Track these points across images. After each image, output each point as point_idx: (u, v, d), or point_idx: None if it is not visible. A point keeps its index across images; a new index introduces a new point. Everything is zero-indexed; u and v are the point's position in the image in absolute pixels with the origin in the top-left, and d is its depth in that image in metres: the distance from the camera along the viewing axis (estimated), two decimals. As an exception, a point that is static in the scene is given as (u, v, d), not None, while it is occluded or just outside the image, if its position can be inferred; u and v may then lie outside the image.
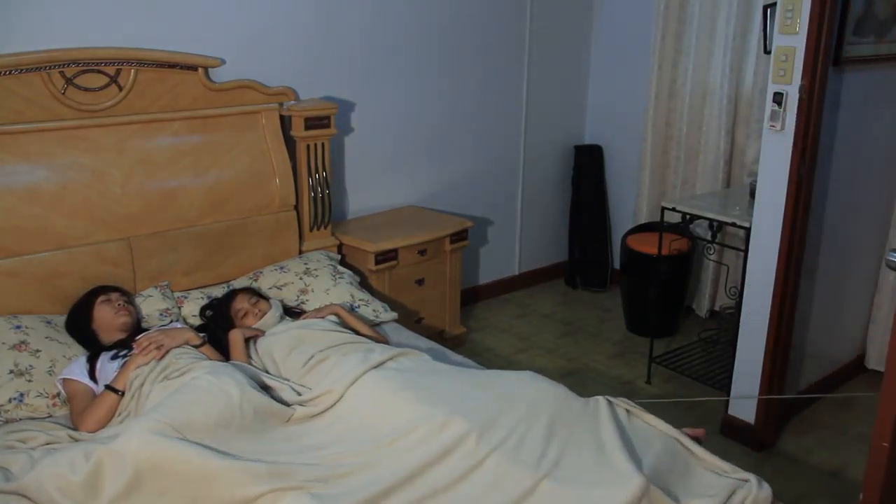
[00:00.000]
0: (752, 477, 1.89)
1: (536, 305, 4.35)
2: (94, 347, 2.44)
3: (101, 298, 2.53)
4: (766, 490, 1.86)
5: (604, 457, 1.92)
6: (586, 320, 4.17)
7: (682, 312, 4.02)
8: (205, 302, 2.81)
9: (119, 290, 2.62)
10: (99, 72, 2.70)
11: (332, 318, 2.68)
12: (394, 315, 2.98)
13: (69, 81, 2.64)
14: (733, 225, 3.02)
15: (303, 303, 2.90)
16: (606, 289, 4.56)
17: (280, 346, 2.48)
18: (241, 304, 2.66)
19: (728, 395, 3.06)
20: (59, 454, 1.95)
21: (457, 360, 2.59)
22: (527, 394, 2.11)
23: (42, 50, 2.58)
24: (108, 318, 2.49)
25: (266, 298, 2.75)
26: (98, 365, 2.34)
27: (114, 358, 2.35)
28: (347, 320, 2.70)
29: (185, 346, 2.37)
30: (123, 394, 2.22)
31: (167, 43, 2.86)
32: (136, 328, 2.55)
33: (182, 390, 2.10)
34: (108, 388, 2.23)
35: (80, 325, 2.50)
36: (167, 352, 2.31)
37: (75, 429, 2.20)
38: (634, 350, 3.79)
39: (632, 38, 4.25)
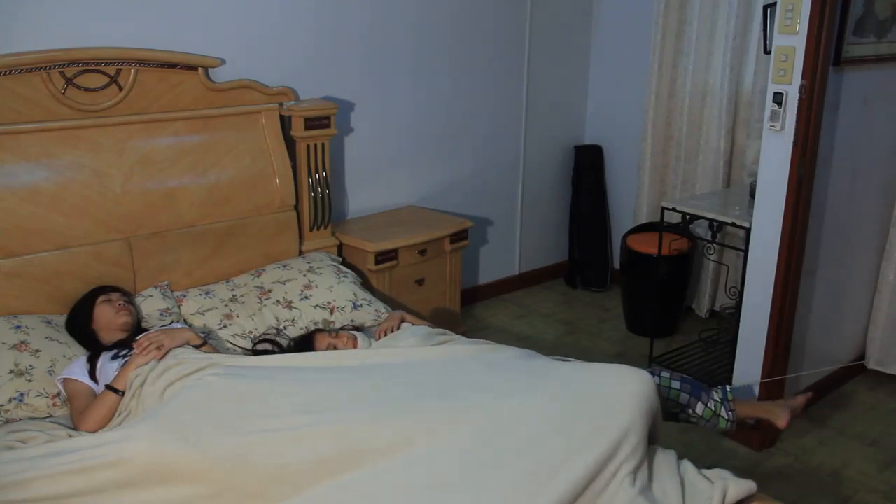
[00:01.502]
0: (723, 474, 1.93)
1: (536, 305, 4.35)
2: (94, 347, 2.44)
3: (101, 298, 2.53)
4: (744, 484, 1.90)
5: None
6: (586, 320, 4.17)
7: (682, 312, 4.02)
8: (204, 300, 2.81)
9: (119, 291, 2.62)
10: (99, 72, 2.70)
11: (405, 324, 2.67)
12: (394, 315, 2.99)
13: (69, 81, 2.64)
14: (733, 225, 3.02)
15: (306, 298, 2.89)
16: (606, 289, 4.56)
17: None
18: (323, 341, 2.55)
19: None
20: (61, 455, 1.96)
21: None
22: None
23: (42, 50, 2.58)
24: (108, 318, 2.49)
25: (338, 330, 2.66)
26: (98, 365, 2.34)
27: (114, 358, 2.35)
28: (417, 324, 2.70)
29: (186, 346, 2.37)
30: (124, 394, 2.22)
31: (167, 43, 2.86)
32: (137, 328, 2.55)
33: (187, 390, 2.10)
34: (109, 388, 2.23)
35: (80, 325, 2.50)
36: (167, 352, 2.31)
37: (75, 429, 2.20)
38: (634, 350, 3.79)
39: (632, 37, 4.25)
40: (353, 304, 2.91)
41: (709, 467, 1.98)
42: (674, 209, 3.23)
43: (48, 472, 1.91)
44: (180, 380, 2.18)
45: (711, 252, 3.52)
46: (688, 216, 3.20)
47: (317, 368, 2.25)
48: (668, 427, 3.11)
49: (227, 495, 1.87)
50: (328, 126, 3.18)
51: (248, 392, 2.11)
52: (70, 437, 2.13)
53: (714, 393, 2.36)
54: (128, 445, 1.91)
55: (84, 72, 2.66)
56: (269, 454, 1.91)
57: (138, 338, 2.39)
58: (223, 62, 3.01)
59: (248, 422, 2.01)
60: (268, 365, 2.33)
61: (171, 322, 2.65)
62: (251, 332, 2.72)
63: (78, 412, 2.22)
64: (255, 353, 2.59)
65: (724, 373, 3.25)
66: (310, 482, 1.86)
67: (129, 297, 2.64)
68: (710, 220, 3.16)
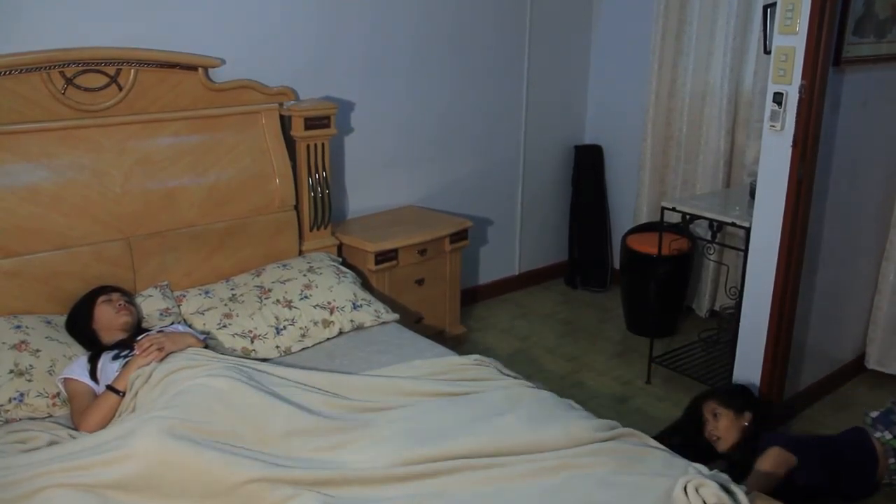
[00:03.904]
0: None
1: (536, 305, 4.35)
2: (94, 347, 2.44)
3: (101, 298, 2.53)
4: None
5: None
6: (586, 320, 4.17)
7: (682, 312, 4.02)
8: (203, 299, 2.80)
9: (120, 291, 2.62)
10: (99, 72, 2.70)
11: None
12: (395, 316, 2.98)
13: (69, 81, 2.64)
14: (733, 225, 3.02)
15: (306, 298, 2.88)
16: (606, 289, 4.56)
17: None
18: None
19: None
20: (69, 454, 1.96)
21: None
22: None
23: (42, 50, 2.58)
24: (108, 318, 2.49)
25: None
26: (99, 365, 2.34)
27: (115, 358, 2.35)
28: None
29: (188, 350, 2.37)
30: (125, 394, 2.22)
31: (167, 43, 2.85)
32: (137, 328, 2.55)
33: (191, 390, 2.11)
34: (110, 388, 2.23)
35: (80, 325, 2.50)
36: (168, 354, 2.31)
37: (75, 428, 2.20)
38: (634, 350, 3.79)
39: (632, 38, 4.25)
40: (353, 304, 2.91)
41: (709, 467, 1.97)
42: (674, 209, 3.23)
43: (53, 467, 1.91)
44: (188, 380, 2.18)
45: (711, 252, 3.52)
46: (688, 216, 3.20)
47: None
48: (664, 422, 3.11)
49: (223, 498, 1.87)
50: (328, 126, 3.18)
51: (254, 402, 2.12)
52: (71, 437, 2.14)
53: None
54: (136, 440, 1.92)
55: (84, 72, 2.66)
56: (264, 480, 1.91)
57: (139, 338, 2.39)
58: (223, 62, 3.01)
59: (251, 436, 2.02)
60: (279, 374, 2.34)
61: (172, 322, 2.65)
62: (251, 332, 2.72)
63: (78, 412, 2.22)
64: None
65: (724, 372, 3.25)
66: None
67: (129, 297, 2.64)
68: (710, 220, 3.16)
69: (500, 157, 4.25)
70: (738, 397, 2.68)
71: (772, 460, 2.41)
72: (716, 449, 2.62)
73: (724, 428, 2.60)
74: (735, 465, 2.52)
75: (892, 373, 3.44)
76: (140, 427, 1.97)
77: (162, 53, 2.81)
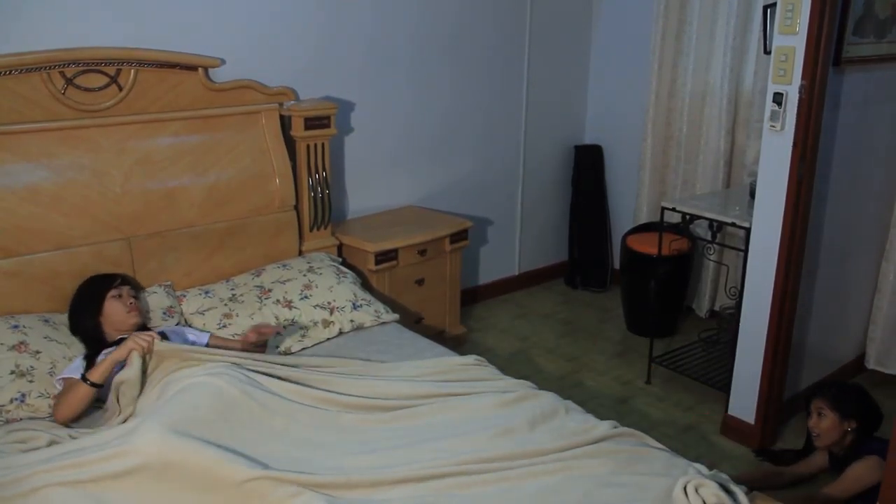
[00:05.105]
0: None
1: (536, 305, 4.35)
2: (93, 342, 2.43)
3: (112, 293, 2.49)
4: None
5: None
6: (586, 320, 4.17)
7: (682, 312, 4.02)
8: (204, 299, 2.80)
9: (128, 283, 2.58)
10: (99, 72, 2.70)
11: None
12: (395, 316, 2.98)
13: (69, 81, 2.64)
14: (733, 225, 3.02)
15: (306, 298, 2.88)
16: (606, 289, 4.56)
17: None
18: None
19: (728, 395, 3.06)
20: (69, 453, 1.96)
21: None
22: None
23: (42, 50, 2.58)
24: (120, 317, 2.46)
25: None
26: (97, 362, 2.33)
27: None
28: None
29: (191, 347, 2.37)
30: (100, 387, 2.22)
31: (167, 43, 2.86)
32: (142, 329, 2.54)
33: (191, 388, 2.11)
34: (83, 378, 2.23)
35: (86, 316, 2.47)
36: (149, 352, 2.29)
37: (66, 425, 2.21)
38: (634, 350, 3.79)
39: (632, 38, 4.25)
40: (353, 304, 2.91)
41: (709, 468, 1.97)
42: (674, 209, 3.23)
43: (53, 466, 1.91)
44: (187, 379, 2.17)
45: (711, 252, 3.52)
46: (688, 216, 3.20)
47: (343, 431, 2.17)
48: (666, 425, 3.11)
49: (224, 495, 1.87)
50: (328, 126, 3.18)
51: (253, 402, 2.12)
52: (71, 436, 2.14)
53: None
54: (137, 438, 1.92)
55: (84, 72, 2.66)
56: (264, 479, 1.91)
57: (133, 335, 2.37)
58: (223, 62, 3.01)
59: (250, 435, 2.02)
60: (282, 376, 2.33)
61: (177, 323, 2.65)
62: (251, 332, 2.72)
63: (56, 404, 2.23)
64: None
65: (724, 372, 3.25)
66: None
67: (135, 292, 2.61)
68: (710, 220, 3.16)
69: (500, 157, 4.25)
70: (848, 402, 2.59)
71: (868, 470, 2.41)
72: (813, 442, 2.66)
73: (825, 428, 2.58)
74: (834, 458, 2.60)
75: (892, 373, 3.44)
76: (141, 425, 1.97)
77: (162, 53, 2.81)
